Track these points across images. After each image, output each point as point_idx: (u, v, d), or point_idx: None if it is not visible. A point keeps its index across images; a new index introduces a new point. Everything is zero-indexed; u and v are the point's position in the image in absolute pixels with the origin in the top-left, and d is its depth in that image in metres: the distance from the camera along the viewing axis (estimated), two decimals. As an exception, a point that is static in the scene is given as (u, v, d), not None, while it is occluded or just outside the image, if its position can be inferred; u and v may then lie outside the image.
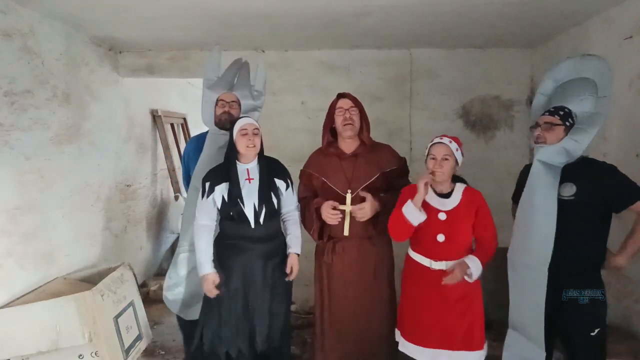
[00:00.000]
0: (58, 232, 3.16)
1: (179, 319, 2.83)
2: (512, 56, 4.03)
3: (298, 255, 2.52)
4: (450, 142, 2.21)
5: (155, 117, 4.87)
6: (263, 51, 4.14)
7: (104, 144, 3.81)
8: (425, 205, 2.23)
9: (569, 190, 2.06)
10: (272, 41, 3.84)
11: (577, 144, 2.02)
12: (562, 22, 3.29)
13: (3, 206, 2.69)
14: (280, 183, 2.47)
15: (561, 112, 2.07)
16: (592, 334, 2.06)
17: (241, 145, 2.39)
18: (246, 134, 2.38)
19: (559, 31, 3.50)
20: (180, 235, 2.75)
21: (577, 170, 2.07)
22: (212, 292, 2.37)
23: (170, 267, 2.73)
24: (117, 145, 4.05)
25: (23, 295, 2.78)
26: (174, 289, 2.69)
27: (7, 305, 2.66)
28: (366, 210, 2.39)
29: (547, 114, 2.10)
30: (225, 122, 2.65)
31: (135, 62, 4.14)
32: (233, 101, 2.70)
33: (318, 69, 4.12)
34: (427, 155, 2.25)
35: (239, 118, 2.52)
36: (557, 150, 2.05)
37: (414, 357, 2.30)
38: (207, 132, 2.79)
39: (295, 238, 2.53)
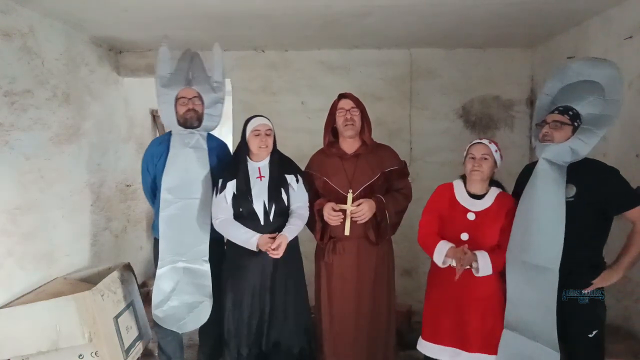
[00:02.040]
0: (58, 232, 3.15)
1: (161, 341, 2.75)
2: (512, 56, 4.03)
3: (288, 239, 2.38)
4: (490, 142, 2.22)
5: (155, 117, 4.86)
6: (263, 51, 4.14)
7: (104, 144, 3.81)
8: (456, 204, 2.24)
9: (569, 191, 2.06)
10: (272, 41, 3.84)
11: (584, 144, 2.02)
12: (562, 22, 3.28)
13: (3, 206, 2.68)
14: (290, 178, 2.47)
15: (570, 112, 2.07)
16: (590, 335, 2.06)
17: (253, 145, 2.43)
18: (259, 135, 2.41)
19: (559, 31, 3.50)
20: (160, 249, 2.55)
21: (578, 171, 2.07)
22: (268, 247, 2.32)
23: (154, 285, 2.56)
24: (117, 145, 4.05)
25: (23, 295, 2.78)
26: (163, 305, 2.54)
27: (7, 305, 2.66)
28: (365, 210, 2.39)
29: (557, 112, 2.10)
30: (192, 121, 2.56)
31: (135, 62, 4.14)
32: (195, 97, 2.57)
33: (318, 69, 4.12)
34: (466, 156, 2.26)
35: (201, 115, 2.56)
36: (563, 149, 2.04)
37: (432, 356, 2.29)
38: (167, 134, 2.69)
39: (293, 226, 2.41)
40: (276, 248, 2.32)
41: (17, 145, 2.78)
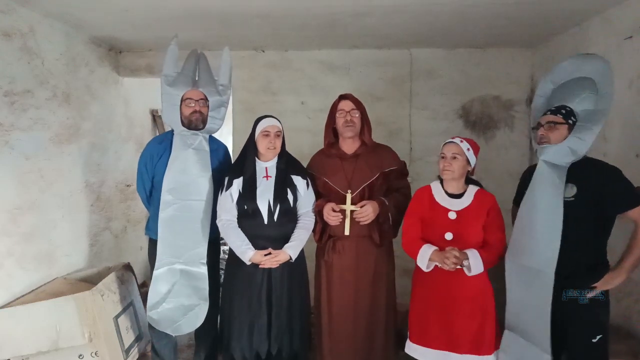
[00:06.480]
0: (58, 232, 3.16)
1: (156, 344, 2.68)
2: (512, 56, 4.03)
3: (290, 259, 2.40)
4: (462, 141, 2.21)
5: (155, 117, 4.86)
6: (263, 51, 4.14)
7: (103, 144, 3.81)
8: (436, 205, 2.24)
9: (570, 191, 2.04)
10: (272, 41, 3.84)
11: (582, 142, 2.00)
12: (562, 22, 3.28)
13: (3, 206, 2.69)
14: (298, 180, 2.47)
15: (563, 111, 2.06)
16: (594, 340, 2.02)
17: (262, 145, 2.43)
18: (268, 136, 2.41)
19: (559, 31, 3.50)
20: (158, 251, 2.51)
21: (578, 171, 2.05)
22: (263, 260, 2.34)
23: (151, 286, 2.52)
24: (117, 145, 4.05)
25: (23, 295, 2.78)
26: (158, 306, 2.50)
27: (7, 305, 2.66)
28: (368, 211, 2.39)
29: (549, 113, 2.09)
30: (198, 123, 2.54)
31: (135, 62, 4.14)
32: (201, 99, 2.55)
33: (318, 69, 4.12)
34: (440, 156, 2.26)
35: (206, 117, 2.55)
36: (562, 150, 2.02)
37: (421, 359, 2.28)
38: (167, 133, 2.68)
39: (297, 241, 2.41)
40: (270, 256, 2.34)
41: (17, 145, 2.78)
